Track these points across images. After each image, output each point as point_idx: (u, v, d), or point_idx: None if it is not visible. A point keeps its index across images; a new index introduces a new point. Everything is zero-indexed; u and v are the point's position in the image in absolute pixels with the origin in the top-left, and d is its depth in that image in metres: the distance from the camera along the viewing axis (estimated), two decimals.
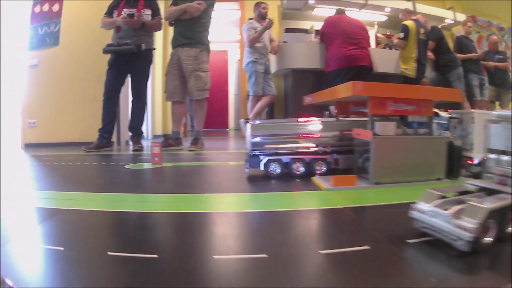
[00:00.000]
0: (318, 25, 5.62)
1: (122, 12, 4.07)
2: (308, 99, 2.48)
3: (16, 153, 4.26)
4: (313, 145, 2.14)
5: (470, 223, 0.87)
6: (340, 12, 5.01)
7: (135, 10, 4.11)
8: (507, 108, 6.48)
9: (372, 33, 6.01)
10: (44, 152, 4.24)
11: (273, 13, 6.15)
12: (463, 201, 1.00)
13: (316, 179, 1.93)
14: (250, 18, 5.46)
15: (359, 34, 4.73)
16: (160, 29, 4.52)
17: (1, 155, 3.88)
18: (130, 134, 4.46)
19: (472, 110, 2.06)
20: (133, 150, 4.14)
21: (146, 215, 1.35)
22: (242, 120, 5.66)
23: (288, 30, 6.87)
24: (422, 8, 6.77)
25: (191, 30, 4.08)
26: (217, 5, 4.34)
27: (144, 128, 4.87)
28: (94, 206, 1.48)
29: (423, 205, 1.02)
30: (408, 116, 2.13)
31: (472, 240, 0.86)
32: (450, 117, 2.18)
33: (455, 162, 1.92)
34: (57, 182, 2.20)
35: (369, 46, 4.97)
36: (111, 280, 0.81)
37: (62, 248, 0.97)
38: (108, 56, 4.24)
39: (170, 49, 4.31)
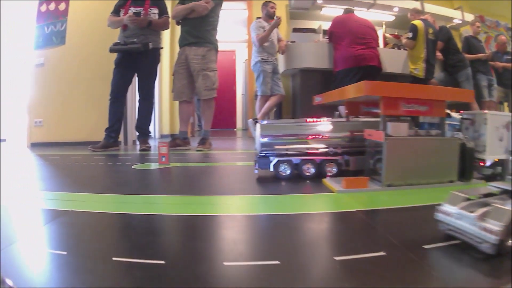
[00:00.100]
0: (326, 25, 5.60)
1: (129, 11, 4.05)
2: (318, 99, 2.43)
3: (22, 152, 4.24)
4: (323, 146, 2.09)
5: (495, 225, 0.85)
6: (348, 11, 4.98)
7: (142, 8, 4.09)
8: None
9: (380, 33, 5.96)
10: (50, 151, 4.23)
11: (281, 12, 6.12)
12: (487, 204, 0.95)
13: (327, 181, 1.88)
14: (258, 18, 5.44)
15: (367, 34, 4.70)
16: (167, 28, 4.48)
17: (1, 155, 3.86)
18: (137, 133, 4.44)
19: (485, 111, 2.01)
20: (140, 150, 4.13)
21: (153, 218, 1.31)
22: (250, 120, 5.63)
23: (296, 30, 6.84)
24: (430, 8, 6.74)
25: (199, 29, 4.05)
26: (224, 5, 4.31)
27: (151, 128, 4.85)
28: (99, 208, 1.44)
29: (448, 207, 1.00)
30: (419, 116, 2.09)
31: (497, 243, 0.84)
32: (462, 118, 2.13)
33: (468, 164, 1.87)
34: (62, 183, 2.17)
35: (378, 46, 4.92)
36: None
37: (65, 253, 0.93)
38: (115, 55, 4.22)
39: (177, 48, 4.30)
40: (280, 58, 5.59)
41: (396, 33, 7.01)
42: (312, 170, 2.05)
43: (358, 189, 1.71)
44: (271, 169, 2.05)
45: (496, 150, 1.93)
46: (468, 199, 1.00)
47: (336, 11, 6.14)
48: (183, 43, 4.15)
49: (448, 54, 5.40)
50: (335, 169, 2.06)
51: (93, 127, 5.12)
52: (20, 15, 5.39)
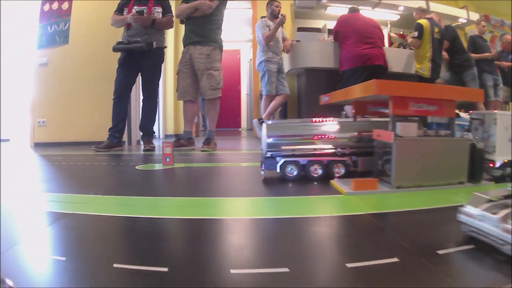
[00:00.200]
0: (331, 24, 5.59)
1: (132, 10, 4.02)
2: (324, 99, 2.39)
3: (25, 153, 4.22)
4: (330, 146, 2.05)
5: None
6: (353, 10, 4.97)
7: (145, 7, 4.05)
8: None
9: (385, 32, 5.93)
10: (53, 151, 4.22)
11: (285, 11, 6.07)
12: (509, 205, 0.95)
13: (335, 183, 1.83)
14: (263, 17, 5.42)
15: (373, 33, 4.68)
16: (171, 27, 4.46)
17: (1, 156, 3.84)
18: (141, 133, 4.43)
19: (495, 111, 1.96)
20: (144, 150, 4.10)
21: (156, 221, 1.26)
22: (255, 120, 5.60)
23: (300, 29, 6.83)
24: (435, 6, 6.71)
25: (203, 27, 4.02)
26: (229, 4, 4.29)
27: (155, 128, 4.83)
28: (101, 211, 1.40)
29: (471, 209, 0.98)
30: (427, 116, 2.05)
31: None
32: (471, 118, 2.08)
33: (478, 165, 1.82)
34: (64, 184, 2.14)
35: (384, 45, 4.89)
36: None
37: (64, 258, 0.89)
38: (118, 55, 4.20)
39: (181, 47, 4.27)
40: (285, 58, 5.58)
41: (401, 32, 6.99)
42: (320, 171, 2.00)
43: (367, 191, 1.66)
44: (278, 170, 2.01)
45: (506, 151, 1.89)
46: (490, 201, 0.99)
47: (341, 10, 6.14)
48: (187, 42, 4.11)
49: (453, 54, 5.39)
50: (343, 170, 2.02)
51: (96, 127, 5.12)
52: (23, 15, 5.38)
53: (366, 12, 6.19)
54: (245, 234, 1.14)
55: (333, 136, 2.05)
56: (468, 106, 2.53)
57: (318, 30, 7.04)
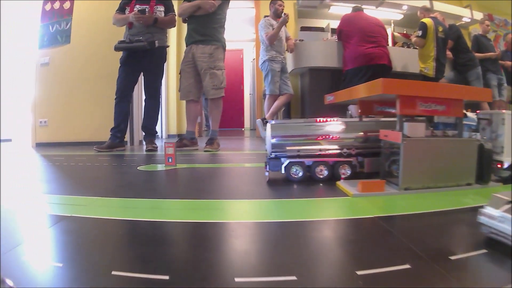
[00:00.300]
0: (334, 24, 5.57)
1: (134, 9, 3.99)
2: (329, 98, 2.35)
3: (26, 153, 4.20)
4: (336, 147, 2.00)
5: None
6: (357, 9, 4.93)
7: (147, 6, 4.03)
8: None
9: (388, 31, 5.90)
10: (55, 151, 4.21)
11: (289, 11, 6.03)
12: None
13: (341, 184, 1.80)
14: (266, 16, 5.39)
15: (377, 32, 4.64)
16: (173, 26, 4.44)
17: (1, 156, 3.82)
18: (144, 133, 4.40)
19: (503, 111, 1.92)
20: (147, 150, 4.07)
21: (158, 225, 1.22)
22: (258, 120, 5.56)
23: (303, 29, 6.82)
24: (439, 6, 6.68)
25: (206, 26, 3.99)
26: (232, 3, 4.26)
27: (158, 128, 4.80)
28: (100, 213, 1.36)
29: (491, 210, 0.97)
30: (434, 116, 2.01)
31: None
32: (479, 118, 2.04)
33: (486, 166, 1.78)
34: (64, 185, 2.10)
35: (388, 44, 4.86)
36: None
37: (61, 265, 0.85)
38: (120, 54, 4.18)
39: (184, 46, 4.24)
40: (289, 57, 5.56)
41: (405, 31, 6.96)
42: (325, 172, 1.96)
43: (374, 192, 1.62)
44: (283, 171, 1.97)
45: None
46: (511, 202, 0.96)
47: (345, 9, 6.10)
48: (190, 41, 4.08)
49: (457, 53, 5.38)
50: (349, 171, 1.98)
51: (98, 127, 5.10)
52: (25, 14, 5.37)
53: (370, 11, 6.15)
54: (250, 238, 1.10)
55: (339, 136, 2.01)
56: (472, 106, 2.50)
57: (321, 29, 7.02)
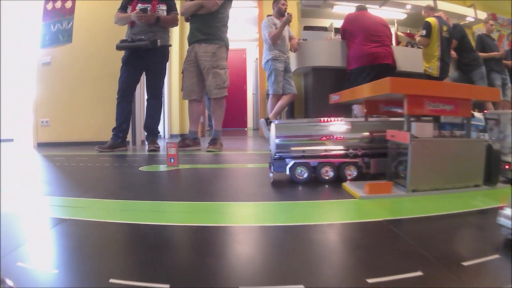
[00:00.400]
0: (338, 23, 5.55)
1: (136, 7, 3.97)
2: (335, 98, 2.30)
3: (27, 153, 4.18)
4: (342, 147, 1.96)
5: None
6: (361, 8, 4.91)
7: (149, 5, 4.00)
8: None
9: (392, 31, 5.89)
10: (56, 151, 4.20)
11: (292, 10, 6.02)
12: None
13: (347, 186, 1.75)
14: (269, 15, 5.37)
15: (381, 31, 4.63)
16: (176, 25, 4.40)
17: (0, 157, 3.80)
18: (146, 133, 4.38)
19: (511, 111, 1.88)
20: (149, 151, 4.05)
21: (158, 229, 1.17)
22: (262, 120, 5.53)
23: (307, 28, 6.82)
24: (443, 5, 6.67)
25: (208, 25, 3.95)
26: (234, 3, 4.23)
27: (160, 128, 4.78)
28: (100, 216, 1.32)
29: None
30: (440, 116, 1.97)
31: None
32: (486, 118, 2.00)
33: (494, 167, 1.74)
34: (64, 186, 2.06)
35: (392, 44, 4.83)
36: None
37: (56, 271, 0.82)
38: (122, 53, 4.16)
39: (186, 46, 4.22)
40: (292, 56, 5.54)
41: (408, 31, 6.95)
42: (331, 174, 1.92)
43: (382, 194, 1.58)
44: (287, 172, 1.92)
45: None
46: None
47: (348, 8, 6.11)
48: (192, 40, 4.05)
49: (462, 53, 5.39)
50: (355, 172, 1.94)
51: (100, 127, 5.11)
52: (27, 14, 5.36)
53: (373, 10, 6.13)
54: (255, 244, 1.06)
55: (345, 136, 1.97)
56: (476, 106, 2.46)
57: (324, 29, 7.01)
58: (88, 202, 1.57)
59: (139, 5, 3.99)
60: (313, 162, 1.93)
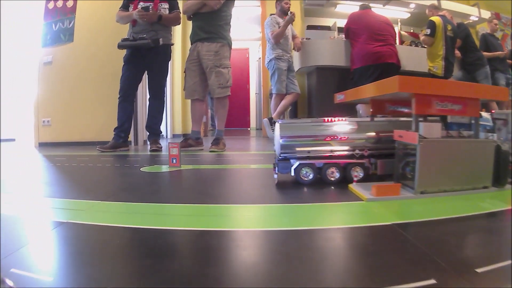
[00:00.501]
0: (341, 22, 5.54)
1: (138, 6, 3.94)
2: (340, 97, 2.26)
3: (28, 153, 4.16)
4: (348, 148, 1.92)
5: None
6: (365, 7, 4.87)
7: (151, 3, 3.96)
8: None
9: (395, 30, 5.88)
10: (57, 151, 4.18)
11: (295, 9, 5.99)
12: None
13: (354, 187, 1.71)
14: (272, 14, 5.35)
15: (385, 30, 4.60)
16: (178, 24, 4.38)
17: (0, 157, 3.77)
18: (148, 133, 4.36)
19: None
20: (151, 151, 4.03)
21: (158, 233, 1.13)
22: (265, 120, 5.50)
23: (310, 27, 6.80)
24: (446, 4, 6.64)
25: (211, 24, 3.92)
26: (237, 2, 4.20)
27: (162, 128, 4.76)
28: (98, 220, 1.28)
29: None
30: (448, 116, 1.93)
31: None
32: (494, 118, 1.96)
33: (502, 168, 1.69)
34: (63, 188, 2.03)
35: (396, 43, 4.81)
36: None
37: (51, 279, 0.78)
38: (124, 52, 4.13)
39: (189, 45, 4.18)
40: (295, 56, 5.52)
41: (412, 30, 6.93)
42: (337, 175, 1.88)
43: (389, 196, 1.53)
44: (292, 173, 1.88)
45: None
46: None
47: (351, 7, 6.10)
48: (195, 38, 4.02)
49: (466, 52, 5.38)
50: (361, 174, 1.89)
51: (102, 127, 5.09)
52: (28, 13, 5.35)
53: (377, 9, 6.11)
54: (259, 249, 1.01)
55: (351, 137, 1.93)
56: (482, 106, 2.43)
57: (328, 28, 7.00)
58: (88, 204, 1.52)
59: (141, 3, 3.97)
60: (318, 163, 1.88)
